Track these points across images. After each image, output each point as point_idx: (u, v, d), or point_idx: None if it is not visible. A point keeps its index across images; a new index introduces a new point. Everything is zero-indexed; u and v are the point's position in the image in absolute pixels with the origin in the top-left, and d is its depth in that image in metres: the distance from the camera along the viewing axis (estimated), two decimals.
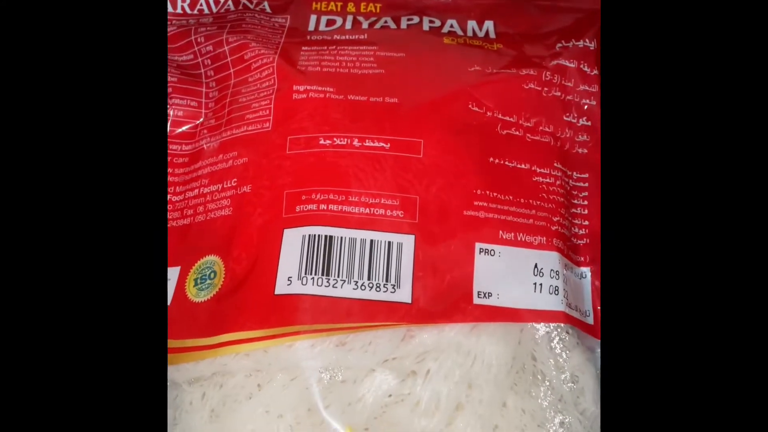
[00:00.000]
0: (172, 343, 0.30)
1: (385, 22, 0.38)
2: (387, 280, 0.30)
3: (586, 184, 0.34)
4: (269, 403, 0.29)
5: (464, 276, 0.30)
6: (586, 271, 0.33)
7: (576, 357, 0.30)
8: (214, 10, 0.40)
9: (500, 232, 0.31)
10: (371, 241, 0.30)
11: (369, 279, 0.30)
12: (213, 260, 0.32)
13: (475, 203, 0.31)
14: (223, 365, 0.30)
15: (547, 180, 0.33)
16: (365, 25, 0.38)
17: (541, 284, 0.31)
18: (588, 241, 0.33)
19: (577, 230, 0.34)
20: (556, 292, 0.30)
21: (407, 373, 0.29)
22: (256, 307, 0.30)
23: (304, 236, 0.30)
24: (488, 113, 0.34)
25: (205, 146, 0.36)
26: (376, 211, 0.31)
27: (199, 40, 0.37)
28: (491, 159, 0.33)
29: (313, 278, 0.30)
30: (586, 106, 0.35)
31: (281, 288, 0.29)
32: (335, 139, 0.33)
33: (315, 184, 0.32)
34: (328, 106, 0.34)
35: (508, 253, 0.31)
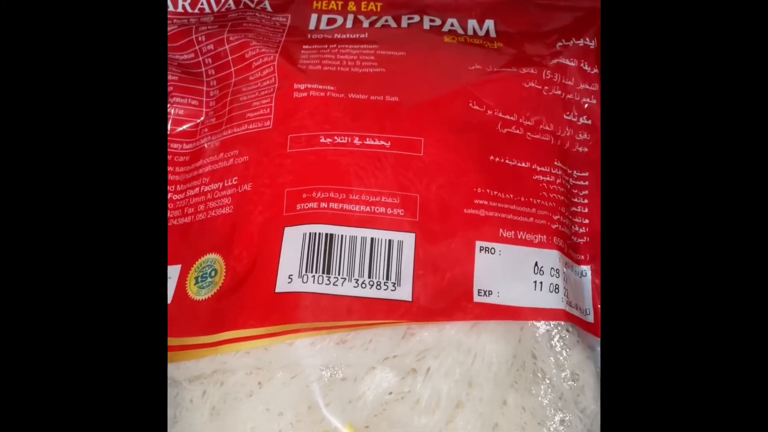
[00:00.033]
0: (172, 341, 0.30)
1: (386, 20, 0.38)
2: (387, 278, 0.30)
3: (587, 183, 0.34)
4: (270, 401, 0.29)
5: (465, 274, 0.30)
6: (586, 269, 0.33)
7: (576, 355, 0.30)
8: (215, 8, 0.40)
9: (500, 230, 0.31)
10: (372, 239, 0.30)
11: (369, 277, 0.30)
12: (214, 258, 0.32)
13: (476, 201, 0.31)
14: (223, 363, 0.30)
15: (548, 178, 0.33)
16: (366, 24, 0.38)
17: (541, 282, 0.31)
18: (588, 239, 0.33)
19: (577, 228, 0.34)
20: (557, 291, 0.30)
21: (408, 371, 0.29)
22: (256, 305, 0.30)
23: (304, 234, 0.30)
24: (489, 112, 0.34)
25: (205, 145, 0.36)
26: (377, 210, 0.31)
27: (200, 38, 0.38)
28: (492, 157, 0.33)
29: (313, 276, 0.30)
30: (586, 105, 0.35)
31: (282, 286, 0.30)
32: (336, 137, 0.33)
33: (316, 182, 0.32)
34: (329, 105, 0.34)
35: (509, 252, 0.31)
